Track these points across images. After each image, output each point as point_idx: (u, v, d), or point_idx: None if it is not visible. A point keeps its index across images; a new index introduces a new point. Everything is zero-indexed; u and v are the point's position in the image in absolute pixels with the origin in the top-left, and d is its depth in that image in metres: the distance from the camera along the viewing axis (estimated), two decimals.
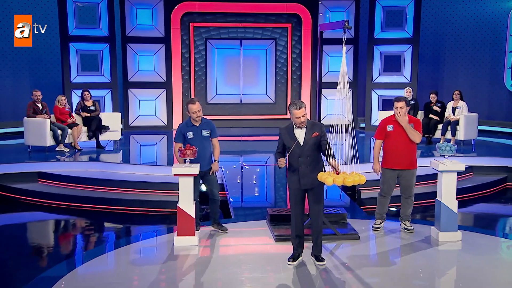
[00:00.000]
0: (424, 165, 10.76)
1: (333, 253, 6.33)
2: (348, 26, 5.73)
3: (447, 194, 6.65)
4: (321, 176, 5.58)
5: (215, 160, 6.99)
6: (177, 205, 6.48)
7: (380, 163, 7.09)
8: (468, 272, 5.97)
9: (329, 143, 5.74)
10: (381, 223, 7.19)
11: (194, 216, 6.50)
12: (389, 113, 12.66)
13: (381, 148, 7.09)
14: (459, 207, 8.99)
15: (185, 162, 6.54)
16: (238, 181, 10.34)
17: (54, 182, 10.39)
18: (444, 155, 6.73)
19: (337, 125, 5.62)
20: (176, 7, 15.97)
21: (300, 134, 5.83)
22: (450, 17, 16.79)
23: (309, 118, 6.44)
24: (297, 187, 5.89)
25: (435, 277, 5.91)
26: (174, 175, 6.48)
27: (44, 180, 10.50)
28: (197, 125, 6.81)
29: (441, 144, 6.70)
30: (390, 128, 6.93)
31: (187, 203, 6.47)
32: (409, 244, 6.72)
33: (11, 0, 15.87)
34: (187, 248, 6.46)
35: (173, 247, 6.53)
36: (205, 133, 6.84)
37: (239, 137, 15.19)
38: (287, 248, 6.18)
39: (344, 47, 5.61)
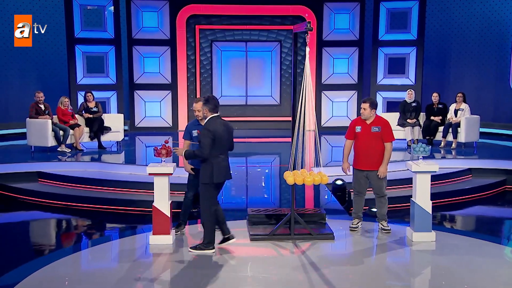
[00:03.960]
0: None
1: (304, 252, 6.38)
2: (309, 27, 5.87)
3: (421, 195, 6.66)
4: (284, 175, 5.68)
5: None
6: (152, 204, 6.59)
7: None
8: (439, 272, 5.98)
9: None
10: (358, 223, 7.22)
11: (169, 215, 6.59)
12: (394, 115, 12.79)
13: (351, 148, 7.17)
14: (457, 208, 8.97)
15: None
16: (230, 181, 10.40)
17: (54, 182, 10.56)
18: (419, 156, 6.76)
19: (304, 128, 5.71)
20: (181, 10, 16.15)
21: None
22: (456, 19, 16.67)
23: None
24: None
25: (407, 277, 5.93)
26: (149, 174, 6.61)
27: (44, 180, 10.68)
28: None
29: (415, 145, 6.72)
30: (358, 129, 7.01)
31: (162, 202, 6.58)
32: (383, 244, 6.76)
33: (11, 0, 16.17)
34: (162, 247, 6.55)
35: (148, 246, 6.65)
36: None
37: (244, 139, 15.22)
38: (262, 247, 6.27)
39: (307, 48, 5.70)
